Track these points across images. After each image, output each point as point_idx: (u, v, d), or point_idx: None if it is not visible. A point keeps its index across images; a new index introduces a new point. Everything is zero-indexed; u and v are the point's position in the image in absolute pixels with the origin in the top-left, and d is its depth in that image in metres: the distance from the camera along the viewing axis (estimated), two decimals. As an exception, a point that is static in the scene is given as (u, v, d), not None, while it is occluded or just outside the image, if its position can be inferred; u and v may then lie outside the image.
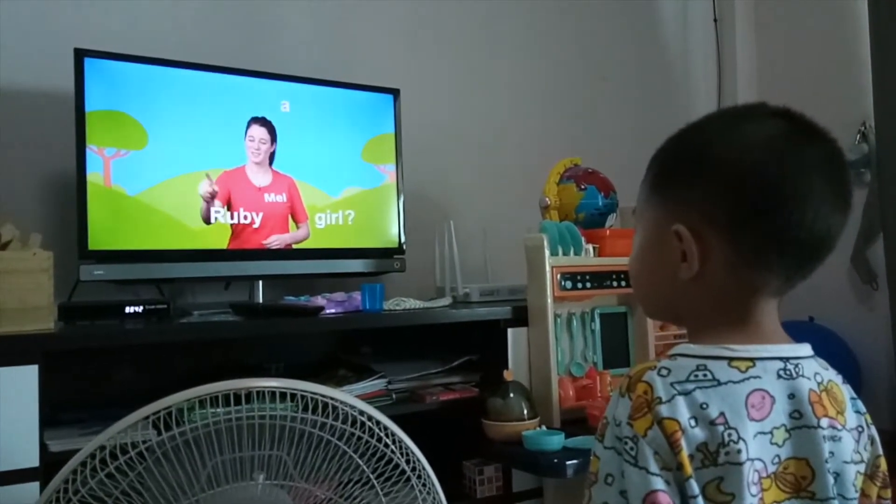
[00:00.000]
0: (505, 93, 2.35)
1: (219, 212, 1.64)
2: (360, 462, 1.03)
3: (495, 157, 2.29)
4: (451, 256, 1.91)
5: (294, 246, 1.74)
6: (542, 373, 1.66)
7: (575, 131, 2.42)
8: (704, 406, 0.61)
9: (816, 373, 0.68)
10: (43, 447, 1.22)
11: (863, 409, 0.71)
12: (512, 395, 1.57)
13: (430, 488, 1.09)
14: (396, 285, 1.92)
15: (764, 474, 0.62)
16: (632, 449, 0.61)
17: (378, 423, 1.03)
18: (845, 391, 0.70)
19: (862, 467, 0.68)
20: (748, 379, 0.63)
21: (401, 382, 1.63)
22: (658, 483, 0.59)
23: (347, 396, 1.04)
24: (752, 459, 0.61)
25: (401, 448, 1.05)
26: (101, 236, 1.51)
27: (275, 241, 1.71)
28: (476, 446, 1.63)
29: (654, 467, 0.59)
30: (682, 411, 0.61)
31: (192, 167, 1.63)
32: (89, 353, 1.50)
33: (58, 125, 1.57)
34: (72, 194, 1.51)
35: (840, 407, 0.68)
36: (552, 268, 1.65)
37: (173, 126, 1.61)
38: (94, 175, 1.50)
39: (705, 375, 0.63)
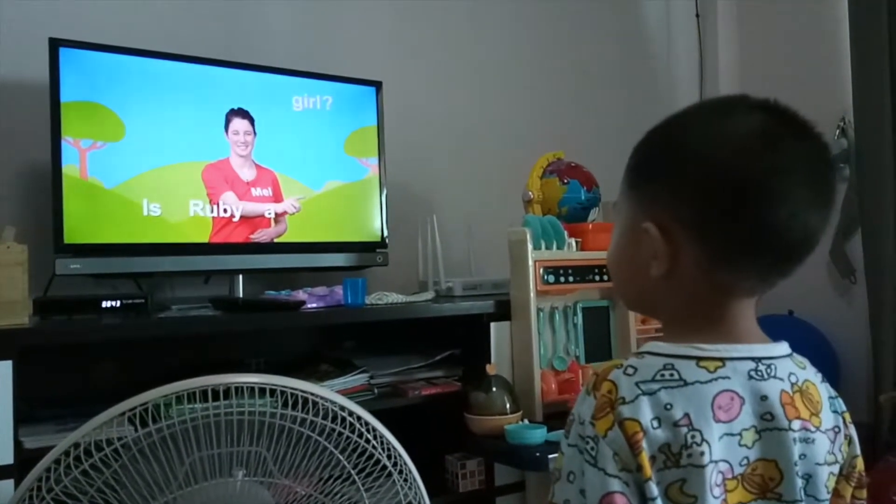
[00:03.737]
0: (488, 86, 2.34)
1: (197, 204, 1.62)
2: (341, 458, 1.03)
3: (479, 151, 2.28)
4: (434, 250, 1.90)
5: (275, 240, 1.73)
6: (524, 367, 1.66)
7: (558, 125, 2.41)
8: (669, 407, 0.60)
9: (791, 373, 0.66)
10: (17, 444, 1.20)
11: (841, 407, 0.70)
12: (494, 389, 1.56)
13: (411, 483, 1.09)
14: (379, 279, 1.91)
15: (729, 476, 0.61)
16: (592, 449, 0.60)
17: (359, 418, 1.03)
18: (823, 391, 0.69)
19: (836, 468, 0.67)
20: (716, 380, 0.62)
21: (383, 377, 1.62)
22: (615, 485, 0.58)
23: (328, 392, 1.03)
24: (716, 461, 0.60)
25: (382, 443, 1.05)
26: (77, 229, 1.48)
27: (262, 235, 1.70)
28: (458, 440, 1.62)
29: (612, 468, 0.59)
30: (645, 412, 0.60)
31: (170, 159, 1.60)
32: (65, 349, 1.47)
33: (32, 116, 1.54)
34: (47, 187, 1.48)
35: (815, 408, 0.66)
36: (535, 262, 1.65)
37: (151, 118, 1.58)
38: (69, 167, 1.48)
39: (672, 375, 0.62)
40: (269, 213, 1.71)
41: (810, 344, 2.18)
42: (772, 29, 2.60)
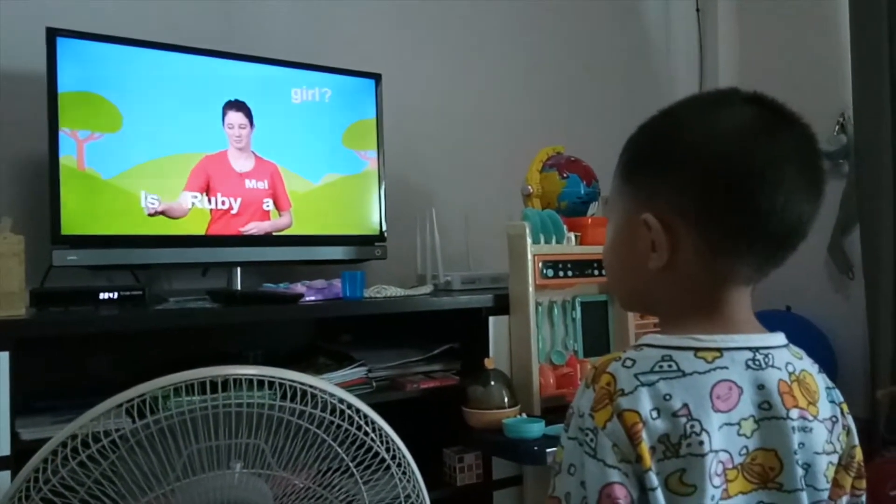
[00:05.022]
0: (488, 79, 2.33)
1: (195, 197, 1.62)
2: (339, 450, 1.03)
3: (478, 145, 2.28)
4: (433, 244, 1.90)
5: (274, 233, 1.72)
6: (522, 361, 1.66)
7: (558, 119, 2.41)
8: (668, 397, 0.61)
9: (788, 362, 0.67)
10: (14, 436, 1.20)
11: (838, 398, 0.71)
12: (493, 382, 1.56)
13: (409, 476, 1.08)
14: (377, 273, 1.91)
15: (729, 465, 0.62)
16: (591, 440, 0.61)
17: (358, 411, 1.03)
18: (820, 381, 0.69)
19: (835, 458, 0.68)
20: (714, 370, 0.63)
21: (381, 370, 1.62)
22: (615, 475, 0.59)
23: (327, 384, 1.03)
24: (716, 451, 0.61)
25: (381, 436, 1.04)
26: (74, 221, 1.47)
27: (253, 227, 1.69)
28: (456, 434, 1.62)
29: (611, 459, 0.59)
30: (644, 403, 0.60)
31: (168, 151, 1.59)
32: (62, 340, 1.47)
33: (30, 106, 1.53)
34: (44, 177, 1.47)
35: (812, 397, 0.67)
36: (534, 256, 1.65)
37: (149, 109, 1.57)
38: (66, 158, 1.47)
39: (670, 366, 0.62)
40: (258, 232, 1.70)
41: (808, 339, 2.17)
42: (772, 24, 2.60)
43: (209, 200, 1.63)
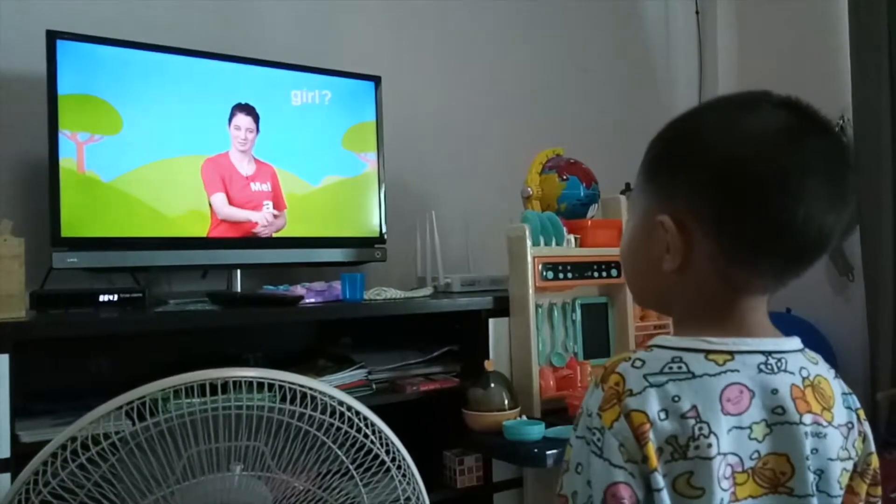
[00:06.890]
0: (488, 82, 2.33)
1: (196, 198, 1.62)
2: (339, 453, 1.02)
3: (477, 147, 2.28)
4: (433, 246, 1.90)
5: (273, 234, 1.72)
6: (522, 363, 1.66)
7: (557, 122, 2.41)
8: (676, 399, 0.60)
9: (802, 367, 0.66)
10: (14, 438, 1.20)
11: (855, 404, 0.70)
12: (493, 385, 1.56)
13: (409, 478, 1.08)
14: (377, 275, 1.91)
15: (739, 469, 0.61)
16: (598, 440, 0.60)
17: (358, 413, 1.02)
18: (836, 386, 0.69)
19: (849, 464, 0.67)
20: (725, 373, 0.62)
21: (381, 372, 1.62)
22: (620, 475, 0.59)
23: (326, 387, 1.03)
24: (725, 454, 0.60)
25: (381, 438, 1.04)
26: (74, 223, 1.47)
27: (262, 230, 1.69)
28: (457, 436, 1.62)
29: (617, 459, 0.59)
30: (652, 404, 0.60)
31: (167, 153, 1.59)
32: (62, 343, 1.47)
33: (30, 109, 1.53)
34: (44, 180, 1.47)
35: (827, 403, 0.66)
36: (534, 258, 1.65)
37: (148, 111, 1.57)
38: (66, 161, 1.47)
39: (680, 368, 0.62)
40: (268, 207, 1.71)
41: (808, 341, 2.16)
42: (771, 26, 2.60)
43: (210, 203, 1.63)
